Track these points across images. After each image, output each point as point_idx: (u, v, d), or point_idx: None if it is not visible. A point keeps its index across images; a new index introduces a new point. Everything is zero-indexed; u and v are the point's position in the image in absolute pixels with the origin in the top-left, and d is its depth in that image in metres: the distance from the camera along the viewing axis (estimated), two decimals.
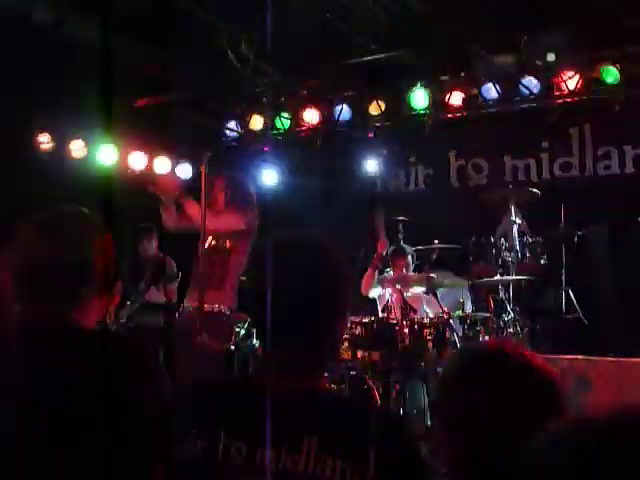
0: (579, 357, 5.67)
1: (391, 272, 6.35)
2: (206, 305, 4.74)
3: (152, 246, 6.78)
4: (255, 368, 1.54)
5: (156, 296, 6.58)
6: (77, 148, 6.91)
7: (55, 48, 5.70)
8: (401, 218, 6.60)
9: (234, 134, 7.66)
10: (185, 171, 7.32)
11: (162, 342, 6.04)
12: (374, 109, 7.17)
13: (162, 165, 7.44)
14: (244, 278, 4.83)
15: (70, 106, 6.16)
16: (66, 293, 1.70)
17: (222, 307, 5.05)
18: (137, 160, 7.09)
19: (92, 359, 1.59)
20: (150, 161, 7.25)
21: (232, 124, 7.60)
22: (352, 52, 6.56)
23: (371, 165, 7.41)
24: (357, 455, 1.41)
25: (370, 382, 5.37)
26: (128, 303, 6.37)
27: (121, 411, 1.52)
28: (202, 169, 4.73)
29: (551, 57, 6.37)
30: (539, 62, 6.52)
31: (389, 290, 6.23)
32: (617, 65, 6.24)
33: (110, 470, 1.50)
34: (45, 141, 6.84)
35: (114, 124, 6.48)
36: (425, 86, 6.96)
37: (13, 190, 5.80)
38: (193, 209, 5.22)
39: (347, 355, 5.57)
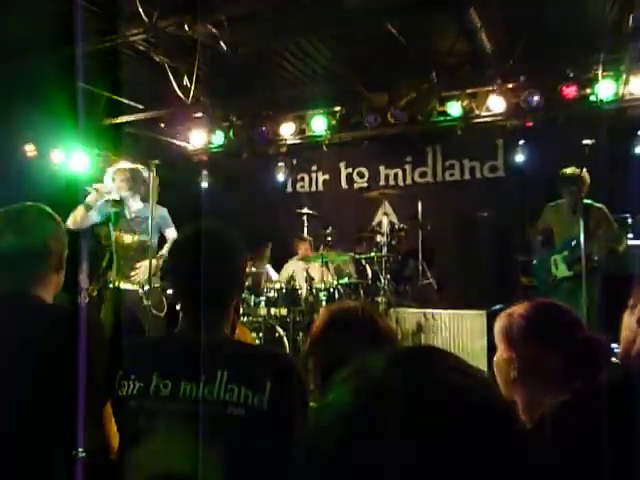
0: (432, 310, 5.86)
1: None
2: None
3: None
4: (179, 326, 1.52)
5: None
6: (57, 156, 6.65)
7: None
8: (305, 211, 6.63)
9: (180, 147, 7.51)
10: None
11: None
12: (286, 130, 7.18)
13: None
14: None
15: (51, 124, 5.93)
16: (26, 274, 1.62)
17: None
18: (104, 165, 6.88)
19: (50, 325, 1.55)
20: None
21: (178, 138, 7.43)
22: (271, 86, 6.56)
23: (278, 174, 7.51)
24: (257, 383, 1.43)
25: (280, 331, 5.42)
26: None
27: (68, 363, 1.49)
28: (152, 174, 4.59)
29: (412, 95, 6.49)
30: (405, 99, 6.64)
31: (294, 264, 6.29)
32: (459, 101, 6.42)
33: (70, 408, 1.48)
34: (30, 150, 6.56)
35: (86, 139, 6.35)
36: (324, 114, 7.02)
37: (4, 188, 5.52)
38: None
39: (264, 311, 5.61)
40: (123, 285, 4.46)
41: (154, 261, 4.43)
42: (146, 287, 4.29)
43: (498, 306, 5.46)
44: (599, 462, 0.98)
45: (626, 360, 1.40)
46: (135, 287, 4.50)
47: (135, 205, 4.72)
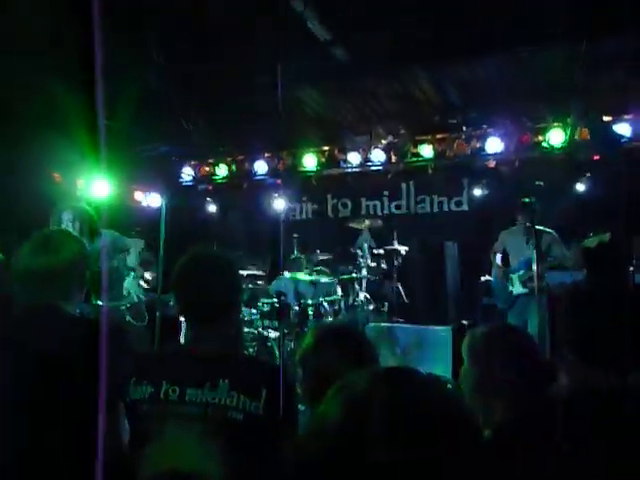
0: (404, 325, 5.85)
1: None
2: None
3: None
4: (185, 339, 1.47)
5: None
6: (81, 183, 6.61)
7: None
8: (295, 236, 6.60)
9: (188, 177, 7.52)
10: (155, 200, 7.18)
11: None
12: (281, 165, 7.21)
13: (138, 196, 7.27)
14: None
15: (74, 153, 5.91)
16: (54, 289, 1.62)
17: None
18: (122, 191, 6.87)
19: (73, 335, 1.54)
20: (130, 193, 7.06)
21: (187, 170, 7.44)
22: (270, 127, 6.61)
23: (278, 203, 7.51)
24: (254, 391, 1.43)
25: (272, 341, 5.38)
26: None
27: (92, 369, 1.47)
28: (162, 202, 4.58)
29: (390, 138, 6.58)
30: (384, 141, 6.72)
31: (285, 282, 6.25)
32: (431, 145, 6.51)
33: (87, 408, 1.46)
34: (58, 177, 6.52)
35: (108, 169, 6.34)
36: (313, 152, 7.07)
37: (34, 210, 5.44)
38: None
39: (258, 324, 5.56)
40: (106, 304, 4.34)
41: (131, 278, 4.37)
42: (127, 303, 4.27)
43: (463, 322, 5.50)
44: (552, 471, 0.98)
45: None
46: (116, 304, 4.41)
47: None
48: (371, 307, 6.09)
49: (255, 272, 6.14)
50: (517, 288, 5.16)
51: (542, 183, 4.47)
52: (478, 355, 1.53)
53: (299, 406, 1.58)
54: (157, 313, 4.02)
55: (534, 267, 4.51)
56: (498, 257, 5.28)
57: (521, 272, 5.14)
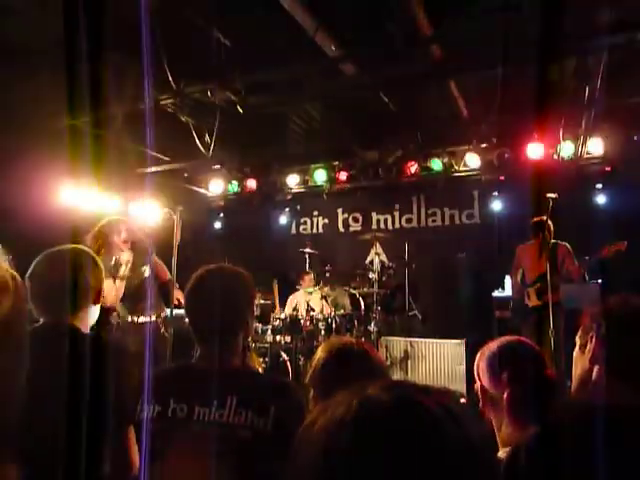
0: (417, 339, 5.80)
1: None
2: None
3: None
4: (194, 357, 1.45)
5: None
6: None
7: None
8: (307, 250, 6.61)
9: (200, 193, 7.57)
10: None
11: None
12: (291, 181, 7.24)
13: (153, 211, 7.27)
14: None
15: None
16: (66, 307, 1.61)
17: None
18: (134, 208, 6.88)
19: (83, 354, 1.52)
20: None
21: (199, 187, 7.49)
22: (280, 143, 6.64)
23: (284, 218, 7.52)
24: (262, 409, 1.40)
25: (284, 355, 5.34)
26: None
27: (102, 389, 1.45)
28: (175, 218, 4.57)
29: (399, 153, 6.57)
30: (393, 156, 6.71)
31: (297, 296, 6.23)
32: (440, 158, 6.50)
33: (97, 430, 1.44)
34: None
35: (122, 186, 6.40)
36: (324, 168, 7.09)
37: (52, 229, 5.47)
38: None
39: (270, 339, 5.54)
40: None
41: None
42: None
43: (476, 336, 5.43)
44: None
45: (581, 397, 1.36)
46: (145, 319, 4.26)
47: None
48: (383, 321, 6.04)
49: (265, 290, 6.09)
50: (533, 301, 5.10)
51: (555, 195, 4.41)
52: (482, 371, 1.50)
53: None
54: (170, 329, 3.98)
55: (548, 280, 4.47)
56: (518, 275, 5.25)
57: (537, 285, 5.08)
